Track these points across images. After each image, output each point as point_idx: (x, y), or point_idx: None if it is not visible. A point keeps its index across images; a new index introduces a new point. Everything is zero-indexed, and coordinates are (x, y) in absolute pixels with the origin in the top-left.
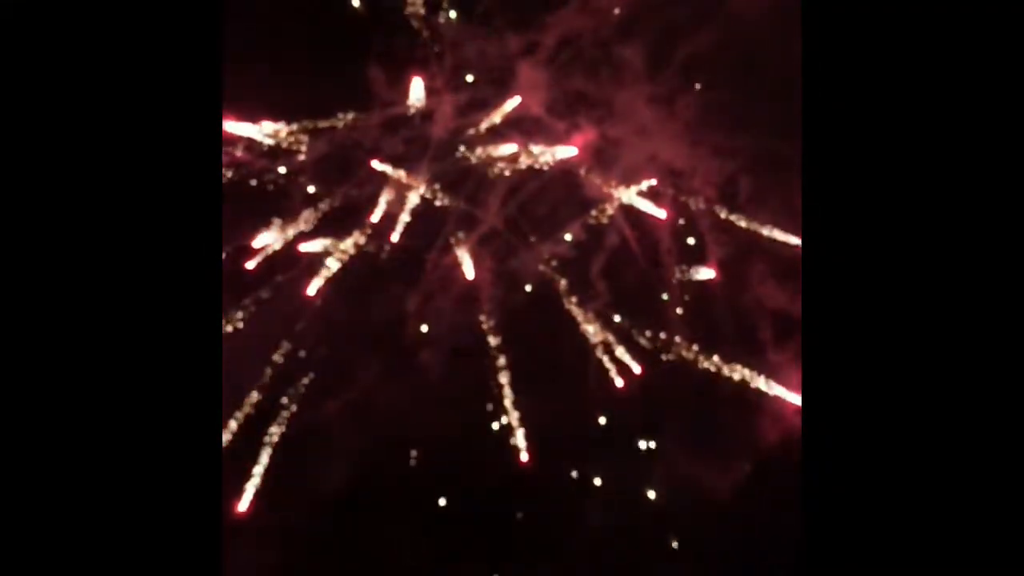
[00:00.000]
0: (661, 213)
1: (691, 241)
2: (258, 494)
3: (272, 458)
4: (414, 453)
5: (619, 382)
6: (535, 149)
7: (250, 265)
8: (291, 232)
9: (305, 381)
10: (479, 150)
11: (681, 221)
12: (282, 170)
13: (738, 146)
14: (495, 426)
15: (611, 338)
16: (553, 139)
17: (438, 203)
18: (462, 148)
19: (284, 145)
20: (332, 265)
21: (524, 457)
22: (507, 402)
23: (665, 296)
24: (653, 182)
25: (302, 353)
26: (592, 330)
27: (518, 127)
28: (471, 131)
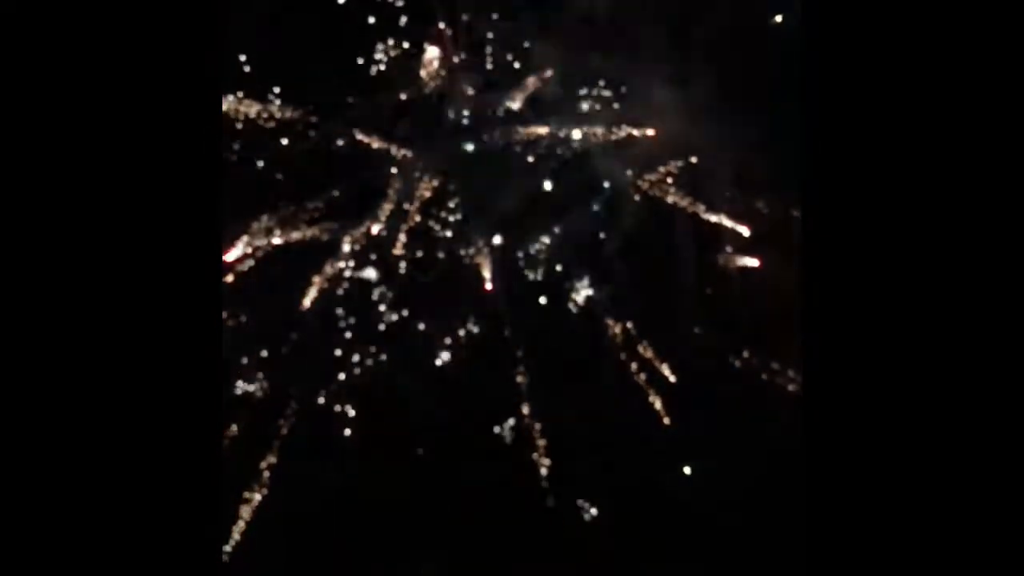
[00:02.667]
0: (744, 230)
1: (746, 232)
2: (265, 494)
3: (279, 453)
4: (420, 451)
5: (658, 402)
6: (610, 130)
7: (228, 279)
8: (299, 219)
9: (310, 374)
10: (498, 132)
11: (701, 206)
12: (288, 154)
13: (757, 130)
14: (509, 421)
15: (631, 330)
16: (568, 121)
17: (452, 187)
18: (483, 130)
19: (291, 128)
20: (340, 254)
21: (543, 461)
22: (523, 398)
23: (708, 291)
24: (693, 160)
25: (307, 344)
26: (611, 322)
27: (533, 109)
28: (488, 112)
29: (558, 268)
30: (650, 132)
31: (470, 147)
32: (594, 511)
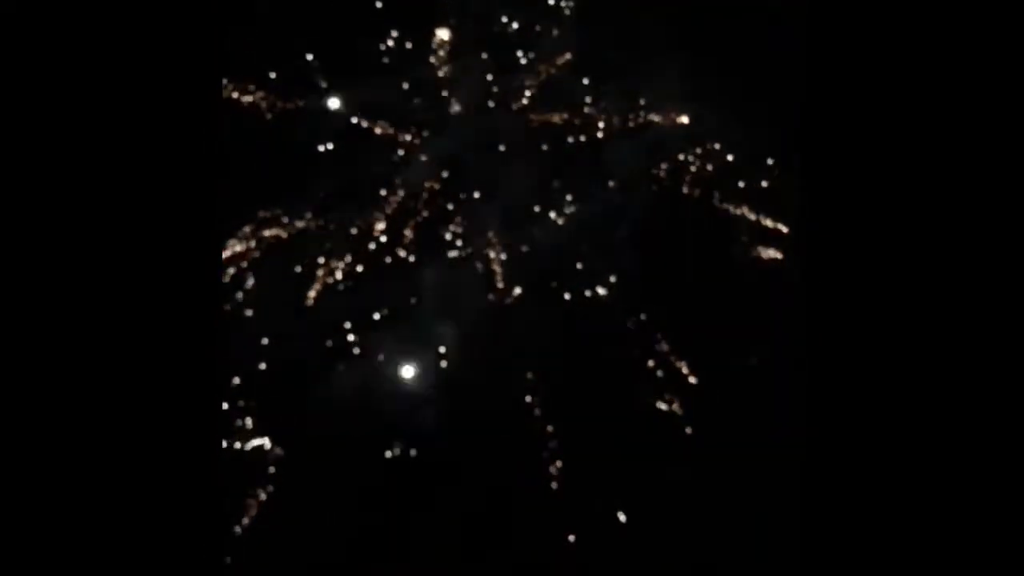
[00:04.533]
0: (783, 228)
1: (771, 224)
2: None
3: (285, 448)
4: (427, 450)
5: (675, 405)
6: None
7: (226, 277)
8: (302, 208)
9: (314, 370)
10: (510, 119)
11: (715, 197)
12: (290, 142)
13: (771, 119)
14: (519, 420)
15: (647, 327)
16: (577, 109)
17: (461, 176)
18: (494, 118)
19: (293, 114)
20: (345, 247)
21: (554, 467)
22: (534, 397)
23: (725, 284)
24: (716, 147)
25: (310, 338)
26: (625, 318)
27: (547, 95)
28: (500, 99)
29: (571, 260)
30: (683, 120)
31: (480, 135)
32: (605, 513)
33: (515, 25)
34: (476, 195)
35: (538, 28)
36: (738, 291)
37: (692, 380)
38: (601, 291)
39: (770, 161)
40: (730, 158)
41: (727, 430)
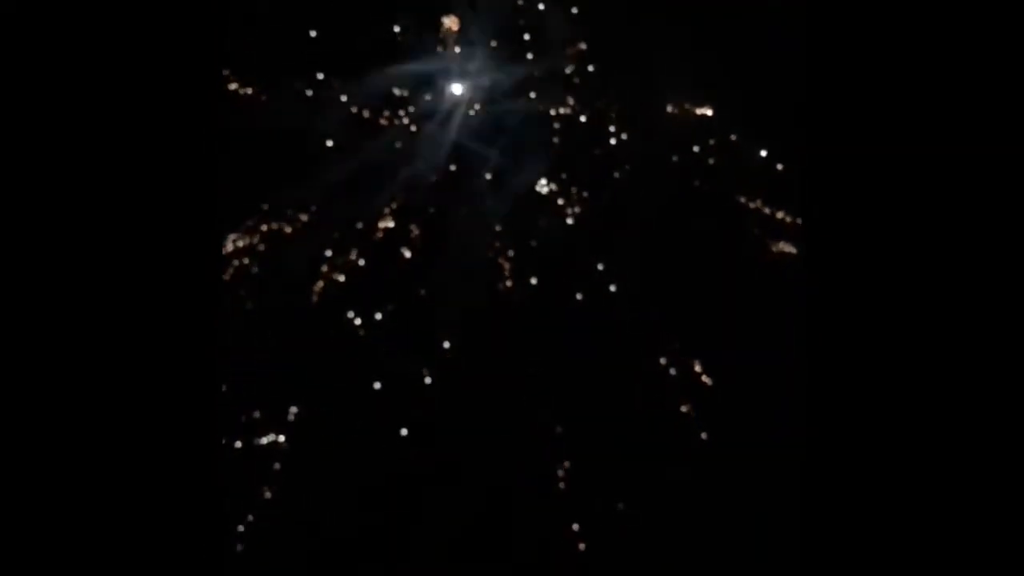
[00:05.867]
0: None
1: (782, 216)
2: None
3: (290, 446)
4: (431, 450)
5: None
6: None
7: (228, 271)
8: (306, 202)
9: (318, 368)
10: (518, 109)
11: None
12: (294, 134)
13: (779, 113)
14: (526, 419)
15: (659, 325)
16: (583, 100)
17: (466, 168)
18: (502, 108)
19: (294, 104)
20: (345, 241)
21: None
22: (541, 396)
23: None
24: (732, 138)
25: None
26: (636, 316)
27: (557, 84)
28: (508, 88)
29: (580, 256)
30: (703, 111)
31: (488, 126)
32: (612, 514)
33: (525, 14)
34: (484, 189)
35: (549, 17)
36: (753, 287)
37: (706, 380)
38: (612, 287)
39: (782, 155)
40: (763, 153)
41: (743, 432)
